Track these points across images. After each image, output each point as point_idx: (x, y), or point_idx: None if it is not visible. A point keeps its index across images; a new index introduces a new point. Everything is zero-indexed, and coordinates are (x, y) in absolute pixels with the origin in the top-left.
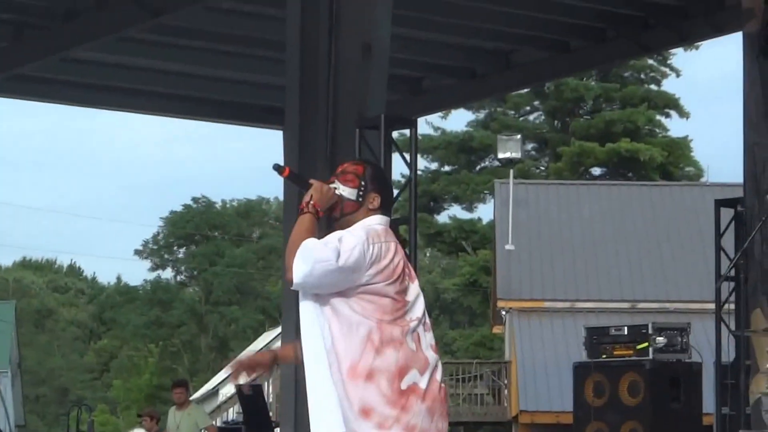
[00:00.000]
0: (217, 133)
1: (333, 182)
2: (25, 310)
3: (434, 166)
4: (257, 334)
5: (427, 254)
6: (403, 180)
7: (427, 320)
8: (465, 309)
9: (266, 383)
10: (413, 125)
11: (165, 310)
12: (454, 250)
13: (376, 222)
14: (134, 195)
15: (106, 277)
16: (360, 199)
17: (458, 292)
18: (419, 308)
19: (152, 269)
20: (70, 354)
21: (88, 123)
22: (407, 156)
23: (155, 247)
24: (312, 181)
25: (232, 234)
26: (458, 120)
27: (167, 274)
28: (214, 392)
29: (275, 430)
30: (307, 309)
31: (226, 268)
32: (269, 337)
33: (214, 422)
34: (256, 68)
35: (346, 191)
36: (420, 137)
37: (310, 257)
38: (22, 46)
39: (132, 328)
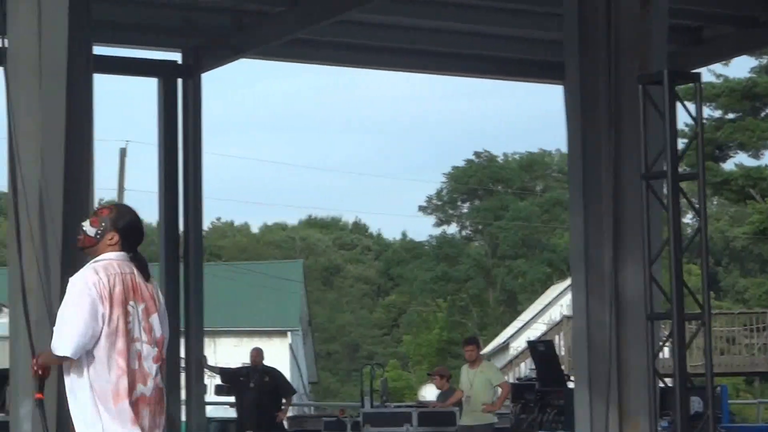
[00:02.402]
0: (497, 88)
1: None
2: (312, 268)
3: (717, 113)
4: (545, 287)
5: (715, 202)
6: (687, 129)
7: (152, 332)
8: (755, 257)
9: (557, 336)
10: (697, 79)
11: (452, 264)
12: (742, 197)
13: (105, 257)
14: (415, 152)
15: (391, 234)
16: (98, 236)
17: (748, 240)
18: (137, 327)
19: (437, 224)
20: (359, 310)
21: (365, 82)
22: (691, 108)
23: (439, 202)
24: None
25: (515, 187)
26: (741, 66)
27: (452, 229)
28: (505, 346)
29: (568, 383)
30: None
31: (510, 221)
32: (558, 289)
33: (506, 378)
34: (535, 24)
35: (89, 229)
36: (702, 85)
37: (63, 335)
38: (298, 12)
39: (419, 284)
